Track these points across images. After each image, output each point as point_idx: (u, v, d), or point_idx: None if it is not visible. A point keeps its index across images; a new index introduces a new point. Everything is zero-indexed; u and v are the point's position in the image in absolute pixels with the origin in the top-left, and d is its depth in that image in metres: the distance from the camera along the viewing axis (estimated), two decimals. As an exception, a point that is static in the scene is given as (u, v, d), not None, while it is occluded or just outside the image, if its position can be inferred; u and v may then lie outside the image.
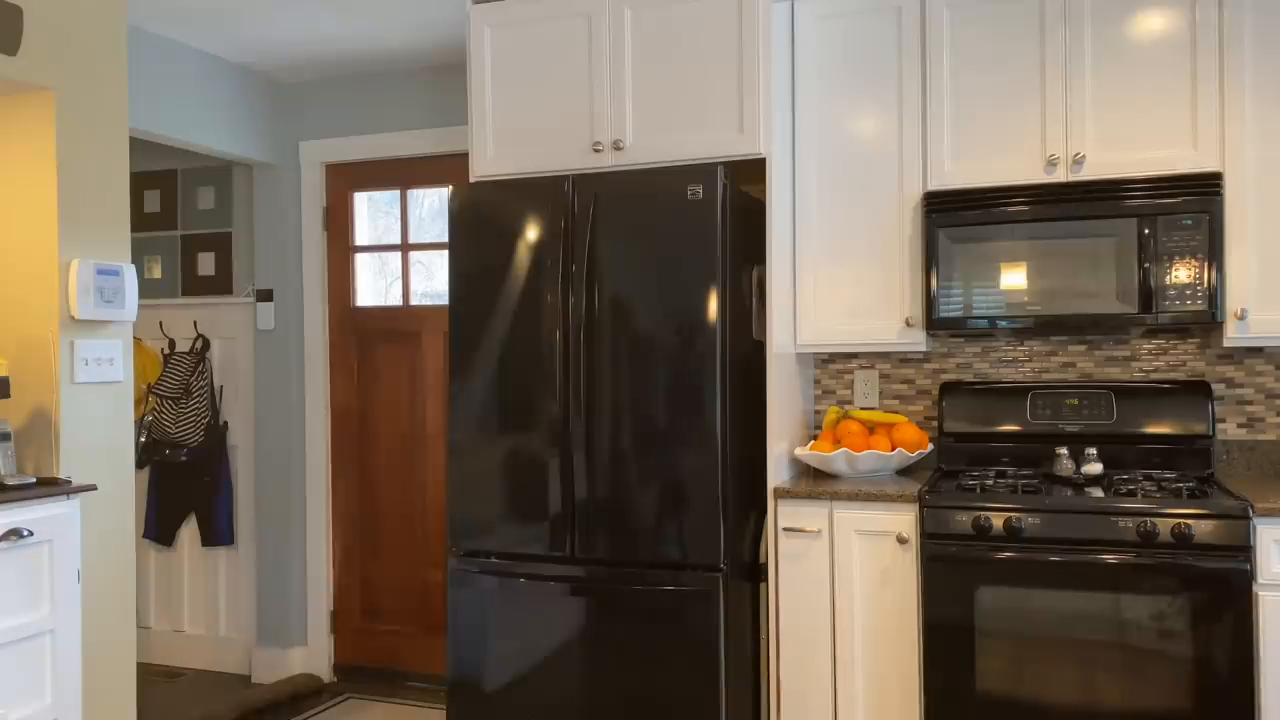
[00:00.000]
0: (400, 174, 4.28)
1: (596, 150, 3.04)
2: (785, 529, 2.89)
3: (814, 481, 3.00)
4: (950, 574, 2.68)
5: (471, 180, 3.18)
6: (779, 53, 3.02)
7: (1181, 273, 2.73)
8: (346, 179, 4.35)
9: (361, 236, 4.41)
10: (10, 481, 2.59)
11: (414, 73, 4.15)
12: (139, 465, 4.37)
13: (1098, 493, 2.71)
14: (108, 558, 2.86)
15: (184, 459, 4.36)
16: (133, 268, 2.95)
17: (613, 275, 2.83)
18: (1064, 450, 2.98)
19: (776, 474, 2.96)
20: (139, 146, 4.54)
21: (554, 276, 2.88)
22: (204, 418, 4.36)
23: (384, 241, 4.44)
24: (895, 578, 2.79)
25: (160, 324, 4.48)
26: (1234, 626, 2.46)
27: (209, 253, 4.53)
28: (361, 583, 4.35)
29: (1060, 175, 2.88)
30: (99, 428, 2.87)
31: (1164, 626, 2.52)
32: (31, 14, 2.70)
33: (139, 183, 4.59)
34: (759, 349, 2.99)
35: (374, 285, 4.46)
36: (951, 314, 2.94)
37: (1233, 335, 2.78)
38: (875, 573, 2.81)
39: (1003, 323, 2.91)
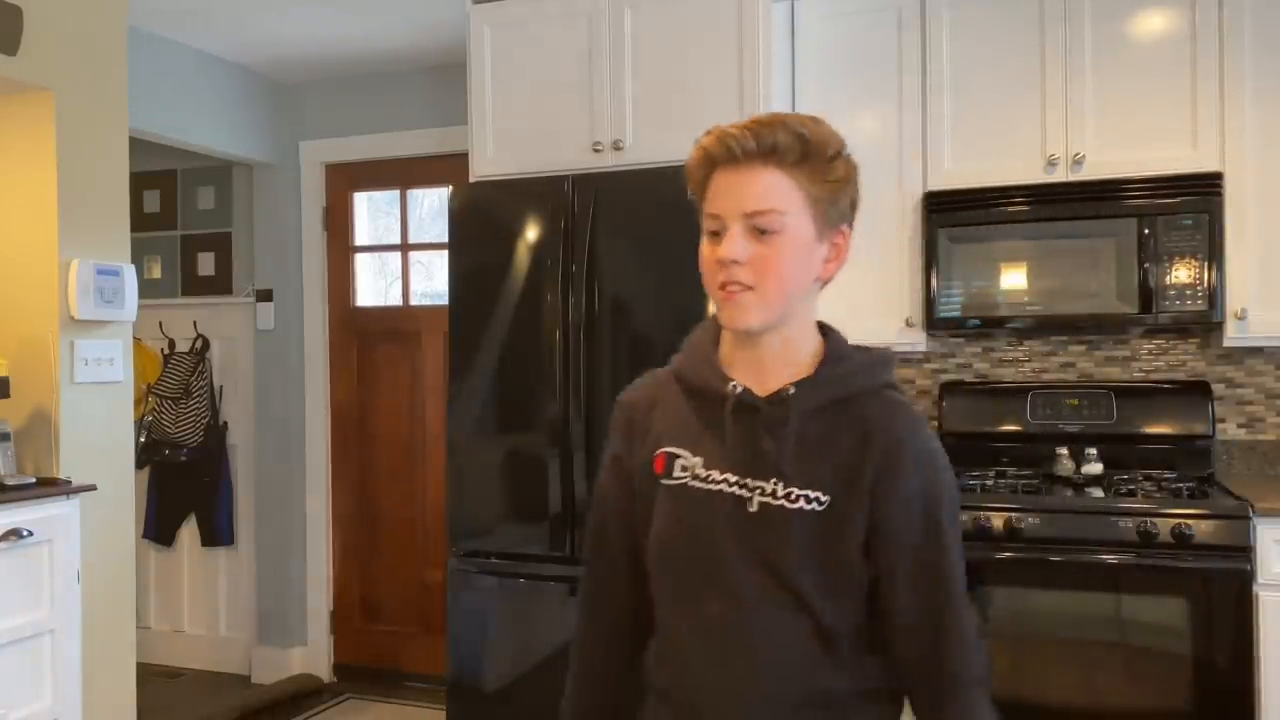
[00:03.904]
0: (400, 174, 4.28)
1: (596, 150, 3.04)
2: (785, 529, 2.88)
3: (814, 481, 2.99)
4: (950, 574, 2.67)
5: (471, 180, 3.18)
6: (779, 52, 3.02)
7: (1181, 273, 2.73)
8: (346, 179, 4.35)
9: (361, 236, 4.41)
10: (10, 481, 2.59)
11: (414, 73, 4.15)
12: (139, 465, 4.37)
13: (1098, 493, 2.71)
14: (108, 558, 2.86)
15: (184, 459, 4.36)
16: (132, 268, 2.95)
17: (613, 275, 2.83)
18: (1064, 450, 2.98)
19: (776, 474, 2.95)
20: (139, 146, 4.53)
21: (554, 276, 2.88)
22: (204, 418, 4.36)
23: (384, 241, 4.44)
24: (895, 578, 2.78)
25: (160, 324, 4.47)
26: (1234, 626, 2.46)
27: (209, 253, 4.53)
28: (361, 583, 4.34)
29: (1060, 175, 2.88)
30: (99, 428, 2.86)
31: (1164, 626, 2.52)
32: (31, 14, 2.70)
33: (139, 183, 4.58)
34: (759, 349, 2.99)
35: (374, 285, 4.46)
36: (951, 314, 2.93)
37: (1233, 335, 2.78)
38: (875, 573, 2.81)
39: (1003, 322, 2.91)
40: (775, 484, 1.17)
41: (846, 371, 1.21)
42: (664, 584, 1.25)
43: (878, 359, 1.23)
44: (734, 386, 1.20)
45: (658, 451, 1.26)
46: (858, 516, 1.16)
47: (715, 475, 1.20)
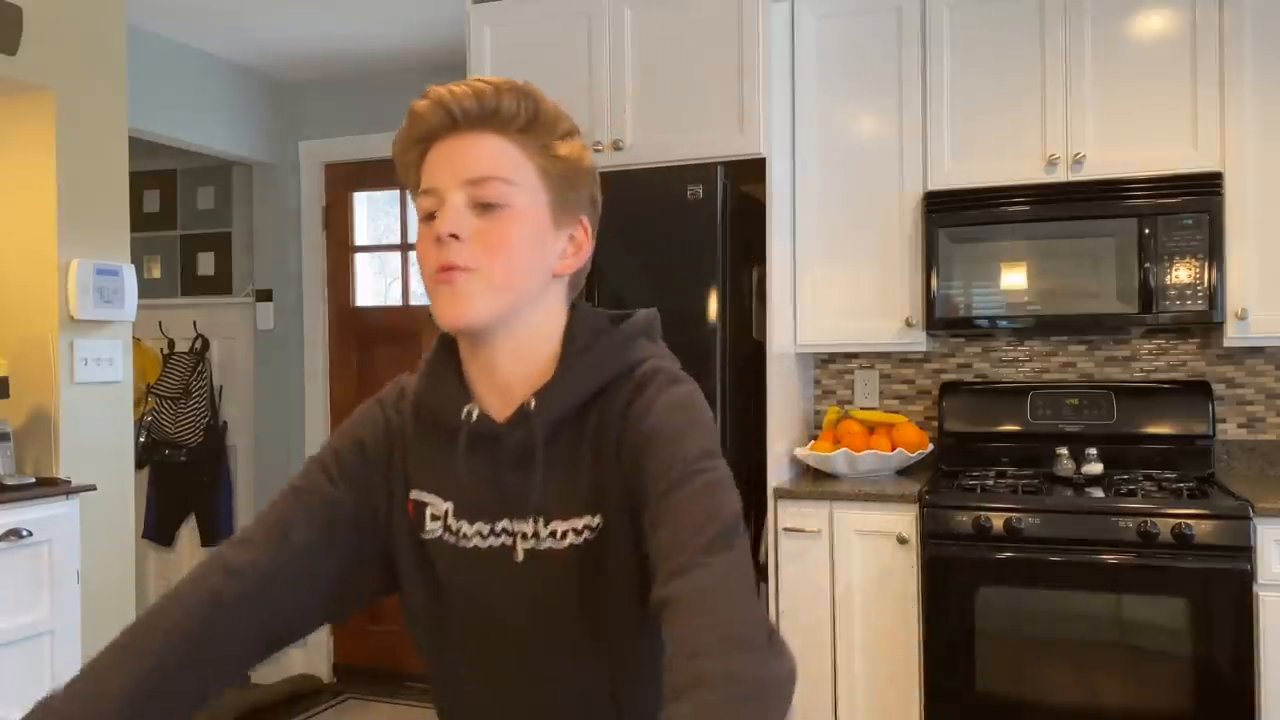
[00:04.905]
0: (400, 174, 4.27)
1: (596, 150, 3.04)
2: (785, 529, 2.88)
3: (814, 482, 2.99)
4: (950, 574, 2.68)
5: (471, 180, 3.17)
6: (779, 52, 3.02)
7: (1182, 272, 2.73)
8: (346, 179, 4.35)
9: (361, 236, 4.41)
10: (10, 481, 2.59)
11: (414, 73, 4.15)
12: (139, 465, 4.36)
13: (1098, 493, 2.71)
14: (107, 558, 2.86)
15: (183, 459, 4.36)
16: (132, 268, 2.94)
17: (612, 275, 2.83)
18: (1064, 450, 2.98)
19: (776, 474, 2.96)
20: (139, 146, 4.53)
21: (554, 276, 2.87)
22: (203, 418, 4.35)
23: (384, 241, 4.44)
24: (895, 578, 2.79)
25: (160, 324, 4.47)
26: (1234, 626, 2.46)
27: (208, 253, 4.53)
28: (361, 583, 4.34)
29: (1060, 175, 2.88)
30: (99, 428, 2.86)
31: (1164, 626, 2.52)
32: (31, 14, 2.70)
33: (139, 183, 4.58)
34: (759, 349, 2.99)
35: (374, 285, 4.46)
36: (951, 314, 2.93)
37: (1233, 335, 2.78)
38: (875, 573, 2.81)
39: (1003, 323, 2.91)
40: (537, 524, 0.97)
41: (591, 363, 0.99)
42: (443, 650, 1.05)
43: (628, 334, 1.02)
44: (469, 412, 0.99)
45: (409, 497, 1.03)
46: (631, 526, 0.94)
47: (466, 527, 0.99)
